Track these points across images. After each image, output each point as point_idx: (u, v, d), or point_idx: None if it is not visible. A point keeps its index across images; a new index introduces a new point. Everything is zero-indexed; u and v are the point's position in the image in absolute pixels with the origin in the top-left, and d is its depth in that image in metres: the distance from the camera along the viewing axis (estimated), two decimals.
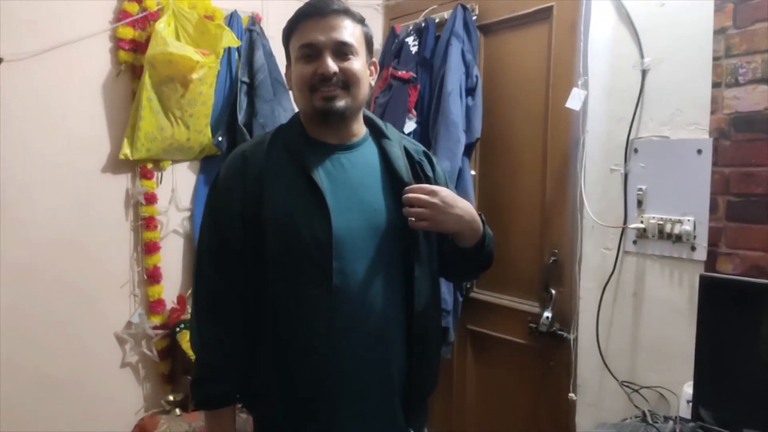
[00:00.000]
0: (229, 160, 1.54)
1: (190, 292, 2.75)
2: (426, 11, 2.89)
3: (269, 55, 2.80)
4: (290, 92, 1.64)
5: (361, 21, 1.53)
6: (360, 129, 1.59)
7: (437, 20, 2.82)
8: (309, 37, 1.46)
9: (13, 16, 2.28)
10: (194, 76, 2.46)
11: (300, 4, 1.52)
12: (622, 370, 2.19)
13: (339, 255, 1.43)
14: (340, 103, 1.47)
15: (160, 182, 2.69)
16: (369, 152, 1.57)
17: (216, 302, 1.50)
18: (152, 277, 2.67)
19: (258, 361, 1.50)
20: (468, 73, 2.65)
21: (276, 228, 1.44)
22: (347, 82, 1.47)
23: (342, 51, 1.47)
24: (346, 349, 1.45)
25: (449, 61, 2.62)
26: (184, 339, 2.60)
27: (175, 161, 2.72)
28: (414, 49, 2.83)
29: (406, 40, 2.87)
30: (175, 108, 2.50)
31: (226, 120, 2.72)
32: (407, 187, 1.47)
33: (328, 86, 1.46)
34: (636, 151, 2.14)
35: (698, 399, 1.74)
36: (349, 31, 1.48)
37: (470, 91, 2.64)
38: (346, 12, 1.49)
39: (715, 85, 1.94)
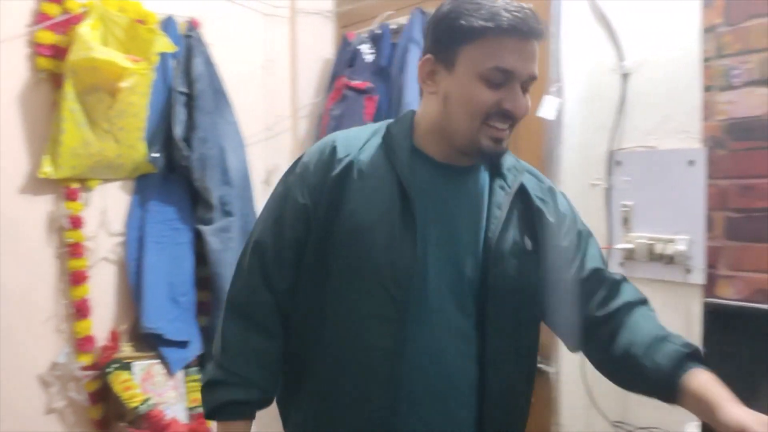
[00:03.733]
0: (315, 146, 1.39)
1: (123, 327, 2.58)
2: (380, 17, 2.77)
3: (209, 63, 2.65)
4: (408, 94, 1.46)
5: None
6: None
7: (394, 27, 2.73)
8: (509, 62, 1.22)
9: None
10: (123, 84, 2.30)
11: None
12: (612, 408, 2.03)
13: (417, 288, 1.27)
14: (505, 145, 1.30)
15: (88, 204, 2.50)
16: (478, 181, 1.36)
17: (251, 301, 1.37)
18: (80, 310, 2.48)
19: (300, 391, 1.37)
20: None
21: (347, 238, 1.29)
22: (518, 121, 1.28)
23: (527, 85, 1.27)
24: (409, 408, 1.28)
25: (407, 69, 2.52)
26: (117, 380, 2.42)
27: (105, 180, 2.53)
28: (369, 58, 2.74)
29: (360, 48, 2.77)
30: (102, 120, 2.33)
31: (162, 134, 2.55)
32: None
33: (504, 124, 1.26)
34: (619, 163, 2.02)
35: None
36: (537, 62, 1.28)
37: None
38: (543, 36, 1.27)
39: (707, 88, 1.82)
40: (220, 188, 2.58)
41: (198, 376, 2.63)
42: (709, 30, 1.80)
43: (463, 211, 1.33)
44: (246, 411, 1.35)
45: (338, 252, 1.30)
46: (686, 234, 1.85)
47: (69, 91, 2.24)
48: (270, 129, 2.94)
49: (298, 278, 1.35)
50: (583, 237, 1.38)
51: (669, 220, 1.89)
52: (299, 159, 1.40)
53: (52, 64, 2.33)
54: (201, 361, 2.66)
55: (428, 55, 1.29)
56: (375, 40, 2.74)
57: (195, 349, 2.62)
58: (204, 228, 2.57)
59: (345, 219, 1.29)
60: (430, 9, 2.54)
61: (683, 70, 1.86)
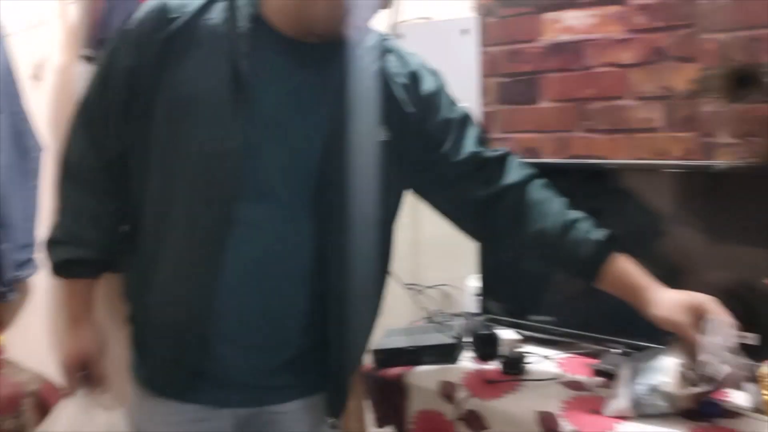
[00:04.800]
0: (148, 5, 1.22)
1: None
2: None
3: None
4: None
5: None
6: None
7: None
8: None
9: None
10: None
11: None
12: (404, 272, 2.07)
13: (246, 171, 1.17)
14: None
15: None
16: (331, 61, 1.23)
17: (81, 163, 1.30)
18: None
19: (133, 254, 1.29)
20: None
21: (171, 108, 1.18)
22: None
23: None
24: (228, 288, 1.20)
25: None
26: None
27: None
28: None
29: None
30: None
31: None
32: None
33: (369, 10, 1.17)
34: (401, 36, 1.96)
35: (484, 291, 1.71)
36: None
37: None
38: None
39: None
40: None
41: None
42: None
43: (308, 93, 1.21)
44: (84, 270, 1.31)
45: (161, 122, 1.20)
46: (464, 102, 1.89)
47: None
48: (34, 15, 2.60)
49: (127, 144, 1.25)
50: (453, 124, 1.32)
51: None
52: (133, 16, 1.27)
53: None
54: None
55: None
56: None
57: None
58: None
59: (171, 86, 1.19)
60: None
61: None
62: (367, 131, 1.22)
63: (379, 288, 1.35)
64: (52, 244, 1.32)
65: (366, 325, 1.35)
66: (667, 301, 1.22)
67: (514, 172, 1.33)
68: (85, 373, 1.33)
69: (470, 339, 1.65)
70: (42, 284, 2.59)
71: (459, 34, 1.87)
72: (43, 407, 2.23)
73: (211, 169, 1.17)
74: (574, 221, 1.28)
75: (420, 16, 1.97)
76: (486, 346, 1.60)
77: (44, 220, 2.57)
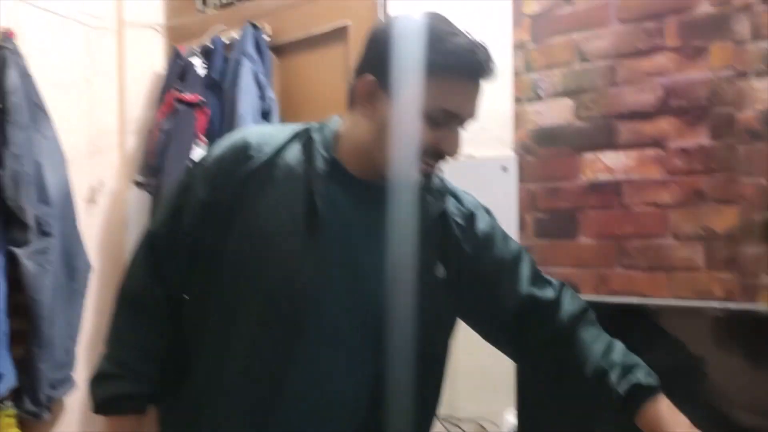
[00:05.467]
0: (227, 139, 1.27)
1: None
2: (212, 31, 2.74)
3: (25, 76, 2.45)
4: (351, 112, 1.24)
5: None
6: None
7: (226, 41, 2.71)
8: (457, 105, 1.15)
9: None
10: None
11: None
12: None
13: (313, 308, 1.18)
14: (432, 177, 1.25)
15: None
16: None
17: (142, 294, 1.28)
18: None
19: (180, 391, 1.28)
20: (262, 96, 2.55)
21: (244, 243, 1.20)
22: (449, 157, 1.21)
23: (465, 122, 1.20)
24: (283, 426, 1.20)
25: (240, 82, 2.51)
26: None
27: None
28: (202, 72, 2.69)
29: (191, 60, 2.71)
30: None
31: None
32: None
33: (436, 161, 1.19)
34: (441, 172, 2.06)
35: (522, 426, 1.68)
36: None
37: (265, 115, 2.55)
38: (494, 75, 1.19)
39: (517, 100, 1.94)
40: (36, 207, 2.38)
41: (13, 411, 2.40)
42: (518, 47, 1.93)
43: (376, 231, 1.21)
44: (137, 405, 1.26)
45: (233, 256, 1.21)
46: None
47: None
48: (94, 144, 2.79)
49: (191, 276, 1.27)
50: (507, 263, 1.32)
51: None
52: (209, 151, 1.31)
53: None
54: (16, 395, 2.42)
55: (369, 76, 1.17)
56: (207, 53, 2.70)
57: (9, 381, 2.37)
58: (18, 250, 2.35)
59: (245, 222, 1.20)
60: (262, 23, 2.58)
61: (496, 84, 1.96)
62: (428, 269, 1.23)
63: (430, 424, 1.34)
64: (101, 378, 1.27)
65: None
66: None
67: (567, 309, 1.31)
68: None
69: None
70: (76, 404, 2.61)
71: (499, 170, 1.93)
72: None
73: (279, 307, 1.17)
74: (614, 362, 1.25)
75: (463, 154, 2.04)
76: None
77: (84, 338, 2.64)
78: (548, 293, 1.32)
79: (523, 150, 1.91)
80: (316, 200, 1.17)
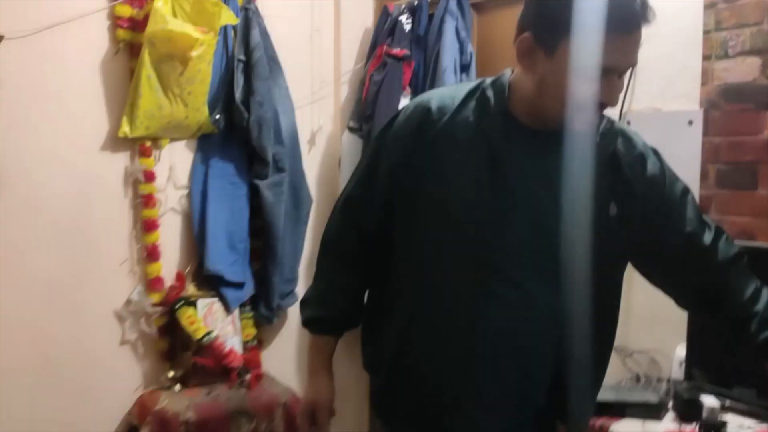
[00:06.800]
0: (411, 105, 1.38)
1: (188, 269, 2.79)
2: None
3: (264, 34, 2.79)
4: (507, 71, 1.32)
5: None
6: None
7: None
8: (614, 60, 1.16)
9: None
10: (193, 53, 2.46)
11: None
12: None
13: (500, 252, 1.28)
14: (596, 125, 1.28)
15: (159, 160, 2.69)
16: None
17: (340, 242, 1.47)
18: (151, 254, 2.67)
19: (380, 329, 1.43)
20: (462, 50, 2.70)
21: (436, 199, 1.31)
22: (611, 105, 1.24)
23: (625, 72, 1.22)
24: (485, 364, 1.31)
25: (444, 38, 2.68)
26: (184, 316, 2.62)
27: (173, 139, 2.71)
28: (407, 27, 2.88)
29: (399, 18, 2.91)
30: (174, 86, 2.51)
31: (223, 98, 2.72)
32: None
33: (597, 111, 1.24)
34: (629, 123, 2.17)
35: (691, 360, 1.79)
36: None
37: (465, 68, 2.70)
38: (652, 20, 1.18)
39: (706, 57, 1.99)
40: (273, 147, 2.74)
41: (251, 314, 2.87)
42: (709, 6, 1.98)
43: (549, 175, 1.27)
44: (328, 328, 1.49)
45: (426, 211, 1.31)
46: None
47: (146, 59, 2.41)
48: (315, 93, 3.12)
49: (385, 228, 1.39)
50: (674, 205, 1.34)
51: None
52: (395, 117, 1.40)
53: (130, 35, 2.50)
54: (253, 301, 2.88)
55: (527, 34, 1.21)
56: (413, 11, 2.87)
57: (249, 290, 2.83)
58: (260, 182, 2.74)
59: (435, 178, 1.30)
60: None
61: (685, 41, 2.03)
62: (601, 208, 1.28)
63: (609, 350, 1.43)
64: (306, 302, 1.50)
65: (597, 384, 1.43)
66: None
67: (723, 251, 1.36)
68: (313, 419, 1.48)
69: (673, 401, 1.76)
70: (296, 314, 3.04)
71: (685, 124, 2.02)
72: (290, 417, 2.59)
73: (470, 248, 1.28)
74: (756, 312, 1.31)
75: (650, 107, 2.12)
76: (688, 409, 1.71)
77: (304, 260, 3.04)
78: (707, 236, 1.35)
79: (709, 105, 1.98)
80: (494, 152, 1.27)
